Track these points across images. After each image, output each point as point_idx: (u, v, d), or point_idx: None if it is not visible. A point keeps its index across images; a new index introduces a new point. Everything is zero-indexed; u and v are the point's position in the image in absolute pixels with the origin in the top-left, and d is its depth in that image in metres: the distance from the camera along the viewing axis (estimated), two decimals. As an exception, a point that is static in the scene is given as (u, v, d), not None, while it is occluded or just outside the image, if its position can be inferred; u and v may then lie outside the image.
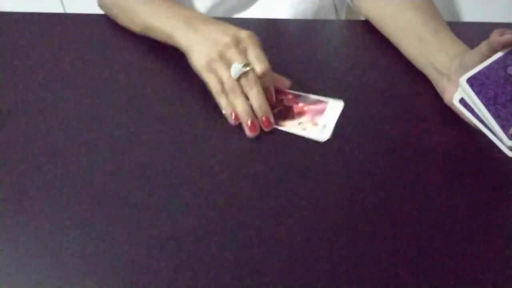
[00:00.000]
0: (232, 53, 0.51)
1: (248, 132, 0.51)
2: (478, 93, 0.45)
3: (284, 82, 0.57)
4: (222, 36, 0.52)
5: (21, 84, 0.59)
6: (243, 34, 0.53)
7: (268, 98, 0.53)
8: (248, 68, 0.51)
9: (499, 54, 0.45)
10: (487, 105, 0.44)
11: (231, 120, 0.51)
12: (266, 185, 0.46)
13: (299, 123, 0.53)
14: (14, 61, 0.63)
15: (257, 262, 0.39)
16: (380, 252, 0.40)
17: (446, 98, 0.53)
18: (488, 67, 0.45)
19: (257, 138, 0.51)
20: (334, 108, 0.54)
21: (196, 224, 0.42)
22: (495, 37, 0.44)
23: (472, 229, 0.43)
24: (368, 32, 0.69)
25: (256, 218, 0.43)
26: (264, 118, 0.51)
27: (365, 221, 0.43)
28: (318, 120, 0.53)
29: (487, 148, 0.50)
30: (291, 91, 0.57)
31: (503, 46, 0.44)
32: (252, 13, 0.74)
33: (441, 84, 0.54)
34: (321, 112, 0.54)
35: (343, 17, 0.83)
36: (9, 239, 0.41)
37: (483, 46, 0.46)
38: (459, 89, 0.47)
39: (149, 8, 0.62)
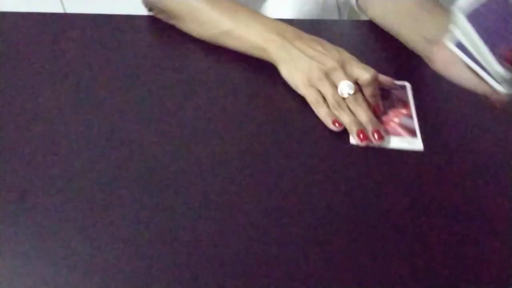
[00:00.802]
0: (339, 75, 0.52)
1: (359, 142, 0.50)
2: (476, 29, 0.43)
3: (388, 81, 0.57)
4: (327, 58, 0.53)
5: (21, 84, 0.58)
6: (346, 56, 0.54)
7: (375, 106, 0.53)
8: (355, 89, 0.52)
9: None
10: (485, 40, 0.43)
11: (334, 127, 0.51)
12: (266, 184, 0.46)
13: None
14: (14, 61, 0.62)
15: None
16: (386, 253, 0.40)
17: (436, 60, 0.52)
18: (486, 3, 0.43)
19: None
20: (407, 143, 0.51)
21: (197, 225, 0.42)
22: None
23: (476, 229, 0.42)
24: (373, 32, 0.69)
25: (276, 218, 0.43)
26: (375, 132, 0.50)
27: (364, 227, 0.42)
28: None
29: (490, 149, 0.50)
30: (413, 109, 0.55)
31: None
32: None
33: (429, 51, 0.53)
34: (396, 134, 0.52)
35: (345, 18, 0.84)
36: (9, 239, 0.41)
37: None
38: (455, 30, 0.45)
39: (229, 15, 0.60)
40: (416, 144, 0.51)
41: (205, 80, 0.58)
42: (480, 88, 0.47)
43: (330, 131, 0.52)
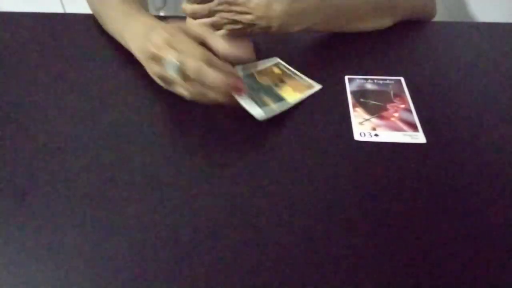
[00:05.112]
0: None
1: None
2: None
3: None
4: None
5: (21, 84, 0.58)
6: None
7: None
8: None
9: None
10: None
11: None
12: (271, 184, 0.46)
13: (373, 117, 0.54)
14: (14, 61, 0.63)
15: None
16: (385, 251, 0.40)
17: None
18: None
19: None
20: (409, 138, 0.51)
21: (199, 225, 0.42)
22: None
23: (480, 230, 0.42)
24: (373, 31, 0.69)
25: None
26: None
27: (369, 222, 0.43)
28: (378, 126, 0.52)
29: (489, 150, 0.50)
30: (410, 102, 0.56)
31: None
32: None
33: None
34: (398, 129, 0.52)
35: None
36: (9, 239, 0.41)
37: None
38: None
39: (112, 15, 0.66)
40: (419, 137, 0.51)
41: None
42: None
43: (333, 127, 0.52)
